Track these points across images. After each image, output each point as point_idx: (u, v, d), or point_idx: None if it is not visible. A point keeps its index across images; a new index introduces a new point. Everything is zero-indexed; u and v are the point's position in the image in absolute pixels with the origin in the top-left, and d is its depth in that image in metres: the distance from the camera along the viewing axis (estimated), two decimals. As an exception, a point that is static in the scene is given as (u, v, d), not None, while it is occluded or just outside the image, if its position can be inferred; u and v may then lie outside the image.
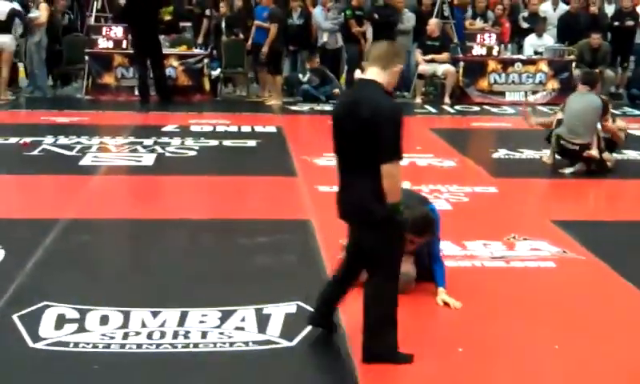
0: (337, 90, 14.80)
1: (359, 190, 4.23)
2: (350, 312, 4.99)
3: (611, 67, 15.44)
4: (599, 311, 4.76)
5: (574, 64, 15.05)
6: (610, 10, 16.42)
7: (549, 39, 15.85)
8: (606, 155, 9.09)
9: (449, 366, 4.37)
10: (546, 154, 9.44)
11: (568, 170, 9.01)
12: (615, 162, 9.33)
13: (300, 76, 14.89)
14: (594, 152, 8.88)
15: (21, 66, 15.36)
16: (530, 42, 15.76)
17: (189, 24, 16.03)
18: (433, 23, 14.86)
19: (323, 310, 4.61)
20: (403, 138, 4.16)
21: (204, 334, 4.57)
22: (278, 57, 14.15)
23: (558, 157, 9.21)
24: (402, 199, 4.24)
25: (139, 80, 13.90)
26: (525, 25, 16.42)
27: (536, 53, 15.51)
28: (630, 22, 15.72)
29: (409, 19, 15.36)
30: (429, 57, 14.71)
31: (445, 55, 14.78)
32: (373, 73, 4.31)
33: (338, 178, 4.40)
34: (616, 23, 15.80)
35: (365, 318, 4.30)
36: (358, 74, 14.51)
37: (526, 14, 16.60)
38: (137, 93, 14.07)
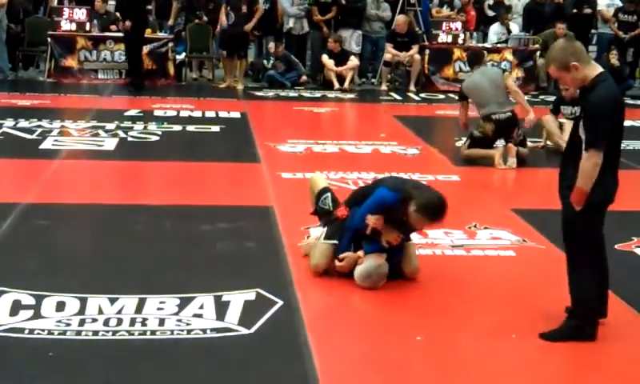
0: (304, 77, 14.79)
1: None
2: (310, 298, 4.99)
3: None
4: (557, 299, 4.78)
5: (538, 53, 15.14)
6: (574, -2, 16.55)
7: (514, 27, 15.93)
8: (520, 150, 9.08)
9: (407, 354, 4.38)
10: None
11: (508, 163, 8.88)
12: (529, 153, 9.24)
13: (265, 62, 14.82)
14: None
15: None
16: (494, 31, 15.84)
17: (150, 7, 15.86)
18: (401, 21, 14.87)
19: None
20: None
21: (162, 322, 4.53)
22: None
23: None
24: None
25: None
26: (490, 13, 16.50)
27: (500, 41, 15.59)
28: (588, 10, 15.88)
29: (385, 9, 15.39)
30: (396, 53, 14.84)
31: (413, 50, 14.81)
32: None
33: (613, 166, 4.44)
34: (574, 11, 15.92)
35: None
36: (324, 58, 14.52)
37: (491, 1, 16.67)
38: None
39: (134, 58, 13.62)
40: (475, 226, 6.51)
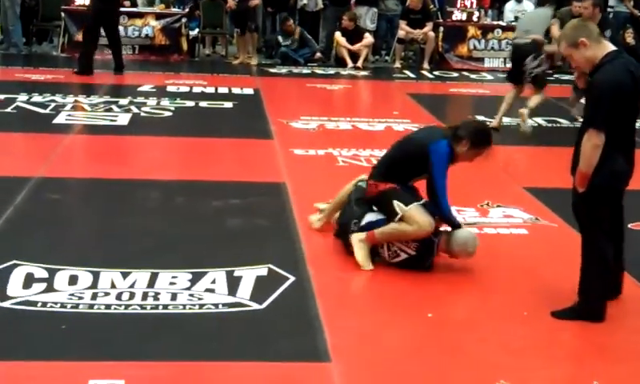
0: (318, 54, 14.73)
1: None
2: (321, 274, 5.00)
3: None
4: (569, 278, 4.78)
5: (554, 31, 15.02)
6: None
7: (529, 5, 15.79)
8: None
9: (418, 330, 4.39)
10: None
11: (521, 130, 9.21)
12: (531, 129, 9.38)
13: (279, 38, 14.78)
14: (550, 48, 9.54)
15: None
16: (510, 8, 15.73)
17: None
18: None
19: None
20: None
21: (174, 296, 4.55)
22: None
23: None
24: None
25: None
26: (506, -9, 16.37)
27: (516, 18, 15.45)
28: None
29: None
30: (410, 30, 14.71)
31: (427, 27, 14.70)
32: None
33: (625, 149, 4.41)
34: None
35: None
36: (337, 36, 14.46)
37: (506, -22, 16.55)
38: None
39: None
40: (488, 204, 6.49)
